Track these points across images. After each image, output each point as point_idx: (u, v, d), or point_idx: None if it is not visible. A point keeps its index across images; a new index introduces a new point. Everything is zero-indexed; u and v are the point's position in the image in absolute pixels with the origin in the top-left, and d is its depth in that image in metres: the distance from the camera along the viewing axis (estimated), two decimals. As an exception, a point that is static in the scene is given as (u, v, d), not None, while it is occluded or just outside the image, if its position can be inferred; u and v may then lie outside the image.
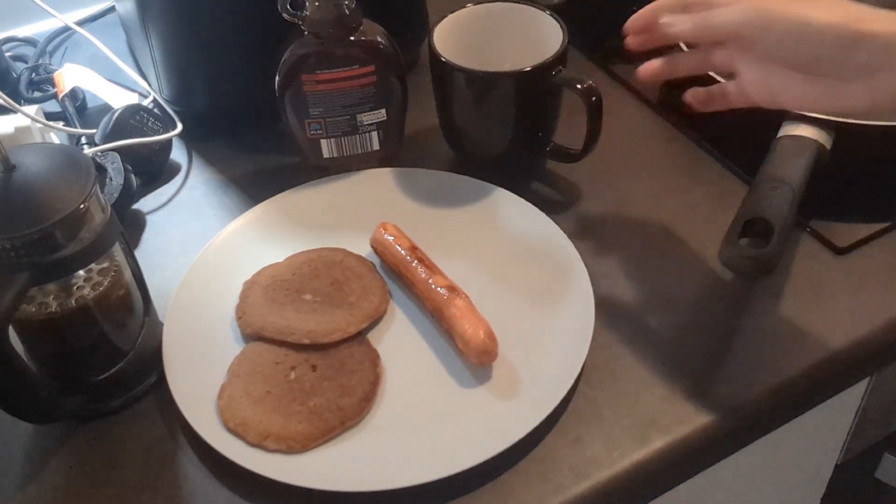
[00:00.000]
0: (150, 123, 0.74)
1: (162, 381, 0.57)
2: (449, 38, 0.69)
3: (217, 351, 0.60)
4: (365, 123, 0.70)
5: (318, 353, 0.58)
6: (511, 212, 0.68)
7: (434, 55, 0.67)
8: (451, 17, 0.71)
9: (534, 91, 0.67)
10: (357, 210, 0.69)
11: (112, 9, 0.94)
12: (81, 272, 0.54)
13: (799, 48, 0.51)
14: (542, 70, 0.66)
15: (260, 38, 0.71)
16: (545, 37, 0.69)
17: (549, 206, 0.67)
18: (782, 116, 0.68)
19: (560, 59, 0.67)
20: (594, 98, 0.65)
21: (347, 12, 0.65)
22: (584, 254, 0.63)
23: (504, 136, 0.70)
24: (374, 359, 0.58)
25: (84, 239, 0.51)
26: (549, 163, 0.73)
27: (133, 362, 0.57)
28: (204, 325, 0.61)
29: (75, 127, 0.76)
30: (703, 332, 0.61)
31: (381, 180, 0.71)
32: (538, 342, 0.59)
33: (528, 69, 0.65)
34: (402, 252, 0.63)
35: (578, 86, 0.65)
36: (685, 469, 0.57)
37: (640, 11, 0.60)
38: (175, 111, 0.78)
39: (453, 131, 0.72)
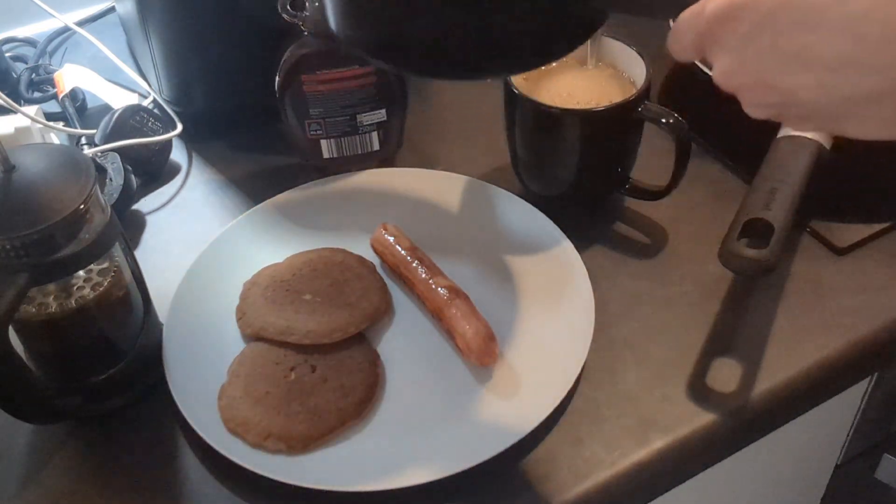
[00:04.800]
0: (150, 124, 0.74)
1: (162, 381, 0.57)
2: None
3: (217, 351, 0.60)
4: (365, 123, 0.70)
5: (318, 354, 0.58)
6: (511, 212, 0.68)
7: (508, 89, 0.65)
8: None
9: (617, 127, 0.65)
10: (357, 210, 0.69)
11: (112, 9, 0.94)
12: (81, 272, 0.54)
13: None
14: (626, 106, 0.63)
15: (260, 39, 0.71)
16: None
17: (549, 206, 0.67)
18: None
19: (644, 95, 0.64)
20: (682, 135, 0.62)
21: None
22: (584, 254, 0.63)
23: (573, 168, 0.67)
24: (374, 359, 0.58)
25: (84, 239, 0.51)
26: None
27: (133, 362, 0.57)
28: (204, 325, 0.61)
29: (75, 127, 0.76)
30: (702, 332, 0.61)
31: (381, 180, 0.71)
32: (538, 342, 0.59)
33: (612, 106, 0.63)
34: (403, 252, 0.63)
35: (664, 120, 0.63)
36: (685, 469, 0.57)
37: None
38: (175, 111, 0.78)
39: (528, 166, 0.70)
